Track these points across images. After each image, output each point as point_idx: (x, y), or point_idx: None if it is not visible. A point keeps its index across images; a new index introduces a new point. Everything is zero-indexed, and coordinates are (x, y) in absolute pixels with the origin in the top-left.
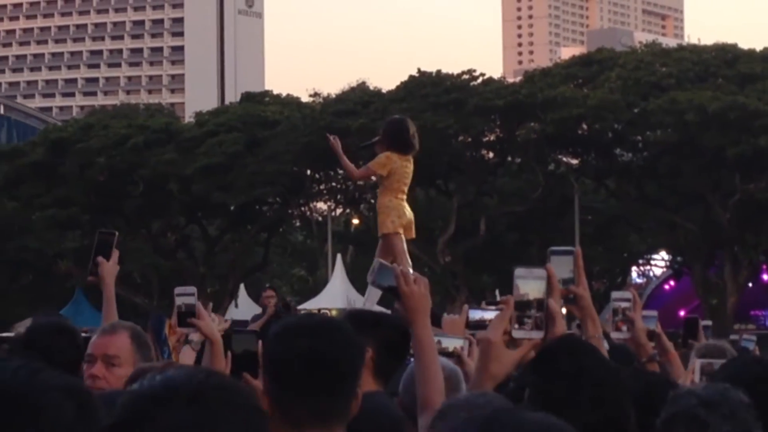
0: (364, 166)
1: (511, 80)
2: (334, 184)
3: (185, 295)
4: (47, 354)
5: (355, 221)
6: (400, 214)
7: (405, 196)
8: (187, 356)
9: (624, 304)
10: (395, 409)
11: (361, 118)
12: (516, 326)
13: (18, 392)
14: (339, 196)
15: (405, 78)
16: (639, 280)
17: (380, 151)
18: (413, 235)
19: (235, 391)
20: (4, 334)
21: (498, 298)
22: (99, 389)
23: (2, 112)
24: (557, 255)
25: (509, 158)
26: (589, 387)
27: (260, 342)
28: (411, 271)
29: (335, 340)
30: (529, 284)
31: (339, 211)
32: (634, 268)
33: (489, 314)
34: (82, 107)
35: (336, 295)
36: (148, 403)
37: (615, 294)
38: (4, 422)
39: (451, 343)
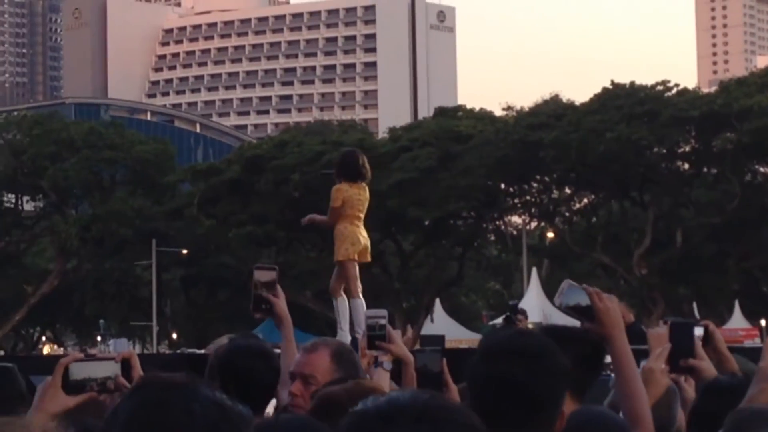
0: (329, 210)
1: (706, 90)
2: (528, 197)
3: (376, 318)
4: (245, 376)
5: (550, 234)
6: (354, 241)
7: (360, 222)
8: (381, 377)
9: None
10: (620, 419)
11: (554, 130)
12: None
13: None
14: (533, 210)
15: (598, 90)
16: None
17: (336, 181)
18: (368, 258)
19: (457, 411)
20: (199, 351)
21: (696, 312)
22: (297, 406)
23: (198, 130)
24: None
25: (705, 169)
26: None
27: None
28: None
29: (535, 368)
30: None
31: (534, 224)
32: None
33: (698, 331)
34: (276, 124)
35: (532, 309)
36: (377, 422)
37: None
38: None
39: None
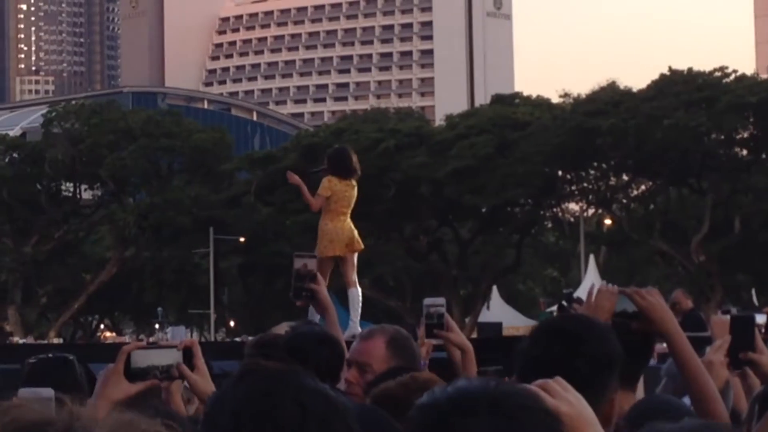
0: (316, 196)
1: (764, 76)
2: (585, 184)
3: (434, 306)
4: (309, 362)
5: (608, 221)
6: (332, 238)
7: (345, 217)
8: None
9: None
10: (683, 405)
11: (611, 117)
12: None
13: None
14: (591, 197)
15: (656, 76)
16: None
17: (324, 176)
18: (360, 247)
19: (529, 396)
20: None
21: (754, 298)
22: (353, 394)
23: (255, 118)
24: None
25: (764, 155)
26: None
27: None
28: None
29: (574, 349)
30: None
31: (591, 211)
32: None
33: (760, 318)
34: (333, 112)
35: None
36: (449, 415)
37: None
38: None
39: None
